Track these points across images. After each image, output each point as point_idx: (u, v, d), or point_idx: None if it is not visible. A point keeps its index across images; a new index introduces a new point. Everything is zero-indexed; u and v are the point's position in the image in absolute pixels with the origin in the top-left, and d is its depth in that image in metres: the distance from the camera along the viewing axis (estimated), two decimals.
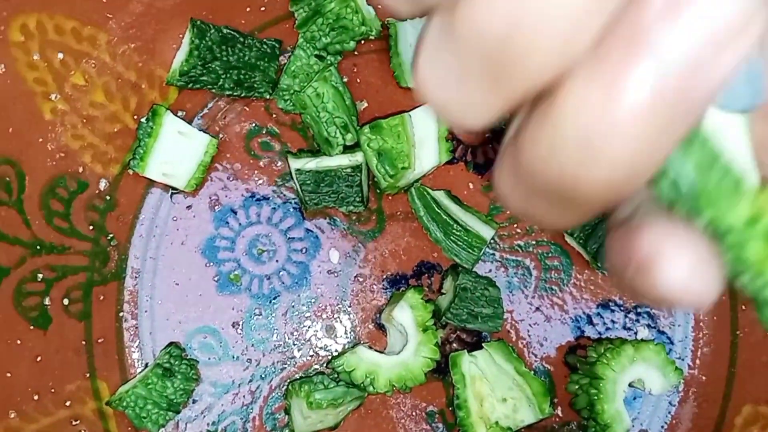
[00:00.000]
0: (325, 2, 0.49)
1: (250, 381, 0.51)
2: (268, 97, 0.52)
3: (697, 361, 0.52)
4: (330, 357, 0.51)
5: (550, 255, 0.53)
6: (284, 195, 0.52)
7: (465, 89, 0.18)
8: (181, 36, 0.50)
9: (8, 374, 0.48)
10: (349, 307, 0.52)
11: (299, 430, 0.49)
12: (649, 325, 0.53)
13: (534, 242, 0.53)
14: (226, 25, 0.50)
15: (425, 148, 0.50)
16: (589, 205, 0.18)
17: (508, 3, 0.16)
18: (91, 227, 0.50)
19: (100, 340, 0.50)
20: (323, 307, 0.52)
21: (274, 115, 0.52)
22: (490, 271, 0.52)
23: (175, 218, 0.52)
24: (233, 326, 0.51)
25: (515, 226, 0.52)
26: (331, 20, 0.49)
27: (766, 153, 0.19)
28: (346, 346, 0.52)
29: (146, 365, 0.51)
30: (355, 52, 0.52)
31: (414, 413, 0.52)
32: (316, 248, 0.52)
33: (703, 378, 0.52)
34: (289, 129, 0.52)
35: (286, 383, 0.51)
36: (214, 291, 0.51)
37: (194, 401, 0.51)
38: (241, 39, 0.50)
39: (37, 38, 0.46)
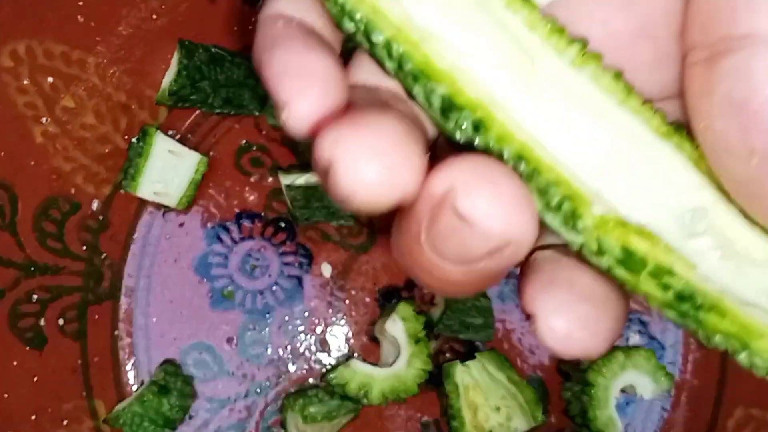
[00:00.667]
0: None
1: (246, 396, 0.52)
2: (257, 114, 0.52)
3: (689, 366, 0.53)
4: (324, 370, 0.52)
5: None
6: (276, 210, 0.53)
7: None
8: (169, 56, 0.51)
9: (5, 395, 0.48)
10: (342, 320, 0.52)
11: None
12: (640, 331, 0.53)
13: None
14: (214, 45, 0.50)
15: None
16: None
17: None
18: (84, 247, 0.51)
19: (95, 359, 0.51)
20: (316, 321, 0.52)
21: (263, 132, 0.53)
22: None
23: (167, 236, 0.52)
24: (228, 342, 0.52)
25: None
26: None
27: (698, 98, 0.20)
28: (340, 360, 0.52)
29: (142, 383, 0.51)
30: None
31: (409, 424, 0.52)
32: (308, 262, 0.53)
33: (695, 382, 0.53)
34: (279, 145, 0.53)
35: (282, 397, 0.51)
36: (207, 307, 0.52)
37: (191, 417, 0.51)
38: (230, 58, 0.51)
39: (27, 63, 0.46)
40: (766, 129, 0.18)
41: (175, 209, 0.52)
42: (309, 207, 0.50)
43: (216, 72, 0.50)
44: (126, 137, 0.51)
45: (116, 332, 0.51)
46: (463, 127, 0.20)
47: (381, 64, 0.21)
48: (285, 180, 0.50)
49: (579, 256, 0.20)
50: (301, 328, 0.52)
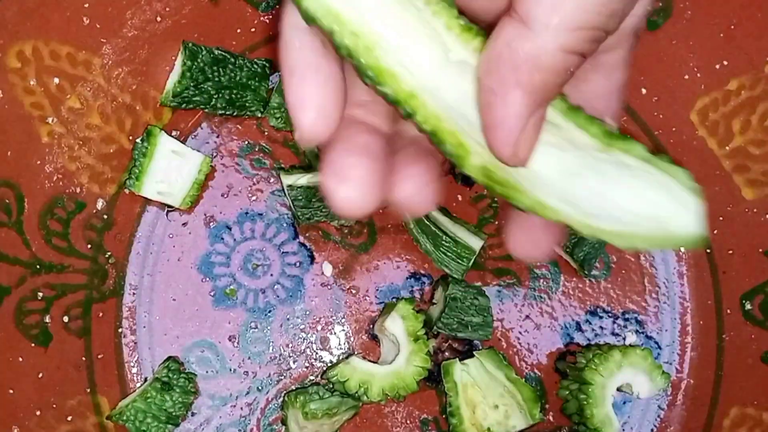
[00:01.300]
0: None
1: (247, 393, 0.52)
2: (259, 115, 0.53)
3: (685, 365, 0.53)
4: (325, 368, 0.53)
5: (538, 264, 0.54)
6: (277, 210, 0.53)
7: None
8: (173, 58, 0.51)
9: (11, 391, 0.49)
10: (343, 318, 0.53)
11: None
12: (637, 331, 0.54)
13: None
14: (218, 47, 0.51)
15: None
16: None
17: None
18: (89, 246, 0.52)
19: (99, 356, 0.52)
20: (317, 319, 0.53)
21: (266, 133, 0.54)
22: (480, 280, 0.53)
23: (171, 235, 0.53)
24: (230, 340, 0.52)
25: (503, 235, 0.54)
26: None
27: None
28: (340, 357, 0.53)
29: (145, 380, 0.52)
30: None
31: (408, 421, 0.53)
32: (309, 262, 0.53)
33: (691, 381, 0.53)
34: (281, 146, 0.54)
35: (283, 394, 0.52)
36: (210, 306, 0.53)
37: (193, 414, 0.52)
38: (233, 60, 0.51)
39: (34, 64, 0.47)
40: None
41: (179, 209, 0.52)
42: (310, 207, 0.51)
43: (219, 74, 0.51)
44: (130, 137, 0.52)
45: (120, 330, 0.52)
46: (401, 111, 0.29)
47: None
48: (287, 180, 0.51)
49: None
50: (302, 327, 0.53)
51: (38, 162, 0.49)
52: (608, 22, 0.27)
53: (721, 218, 0.53)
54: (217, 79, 0.51)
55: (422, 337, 0.50)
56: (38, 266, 0.50)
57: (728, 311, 0.53)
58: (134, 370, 0.52)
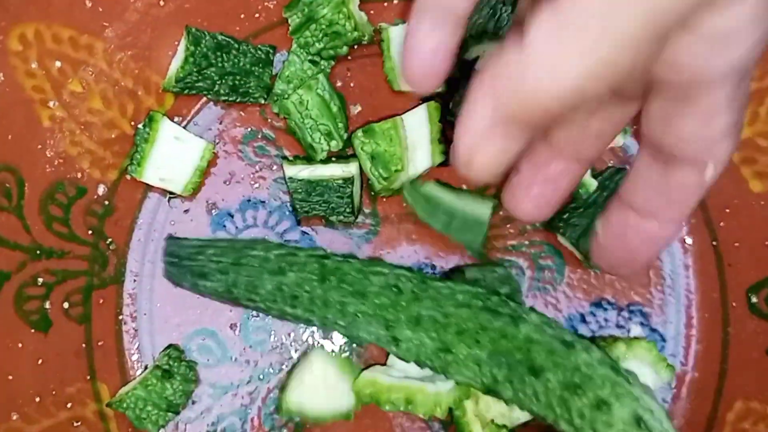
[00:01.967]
0: (318, 9, 0.50)
1: (249, 382, 0.52)
2: (263, 102, 0.52)
3: (690, 358, 0.53)
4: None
5: (543, 255, 0.53)
6: (280, 198, 0.53)
7: None
8: (176, 43, 0.51)
9: (10, 377, 0.49)
10: None
11: None
12: (642, 323, 0.53)
13: (527, 242, 0.53)
14: (221, 32, 0.51)
15: (418, 151, 0.51)
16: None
17: None
18: (90, 232, 0.51)
19: (100, 343, 0.51)
20: None
21: (269, 120, 0.53)
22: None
23: (172, 222, 0.52)
24: (231, 328, 0.52)
25: (508, 226, 0.53)
26: (324, 26, 0.50)
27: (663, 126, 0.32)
28: (343, 347, 0.52)
29: (146, 367, 0.51)
30: (349, 57, 0.53)
31: (411, 414, 0.52)
32: None
33: (696, 374, 0.53)
34: (284, 133, 0.53)
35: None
36: None
37: (193, 402, 0.51)
38: (236, 45, 0.51)
39: (35, 47, 0.47)
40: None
41: (181, 195, 0.52)
42: (309, 200, 0.51)
43: (222, 59, 0.50)
44: (132, 123, 0.51)
45: (121, 317, 0.52)
46: None
47: None
48: (288, 171, 0.51)
49: None
50: None
51: (39, 146, 0.49)
52: (601, 79, 0.26)
53: (727, 210, 0.52)
54: (220, 64, 0.50)
55: None
56: (38, 252, 0.49)
57: (734, 304, 0.52)
58: (134, 358, 0.52)
